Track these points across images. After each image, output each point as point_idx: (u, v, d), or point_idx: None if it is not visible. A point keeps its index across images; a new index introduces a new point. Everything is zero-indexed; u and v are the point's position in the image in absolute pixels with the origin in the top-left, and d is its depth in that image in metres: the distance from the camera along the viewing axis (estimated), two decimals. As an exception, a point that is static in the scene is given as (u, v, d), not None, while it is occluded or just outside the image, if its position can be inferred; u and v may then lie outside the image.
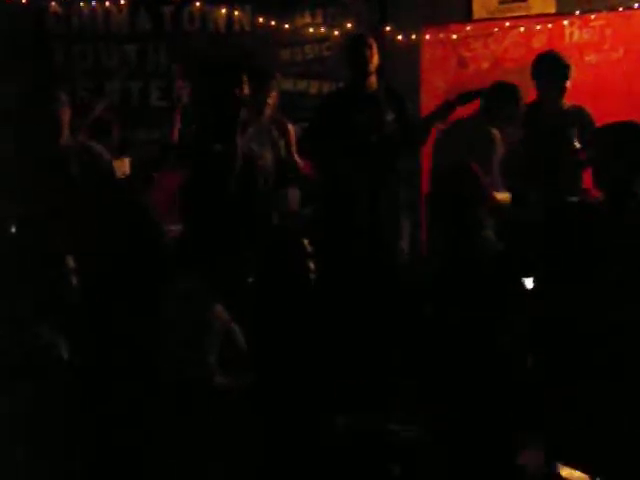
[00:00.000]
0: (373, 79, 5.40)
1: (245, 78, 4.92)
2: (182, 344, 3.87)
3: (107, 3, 6.94)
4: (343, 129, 5.31)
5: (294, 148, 5.71)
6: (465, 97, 5.45)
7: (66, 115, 4.90)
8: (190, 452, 3.64)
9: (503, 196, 5.16)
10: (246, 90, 4.90)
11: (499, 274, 3.76)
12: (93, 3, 6.94)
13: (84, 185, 4.83)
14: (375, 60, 5.35)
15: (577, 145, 5.37)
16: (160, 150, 5.31)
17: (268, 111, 5.55)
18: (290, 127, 5.76)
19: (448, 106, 5.44)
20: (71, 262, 3.84)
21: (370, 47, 5.32)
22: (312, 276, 4.13)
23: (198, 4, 6.90)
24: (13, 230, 4.38)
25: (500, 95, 5.40)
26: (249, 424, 3.72)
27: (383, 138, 5.31)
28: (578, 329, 3.45)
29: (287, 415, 3.78)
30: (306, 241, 4.17)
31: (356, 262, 5.20)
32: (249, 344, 3.97)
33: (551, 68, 5.46)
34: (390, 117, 5.38)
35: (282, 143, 5.60)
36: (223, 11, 6.91)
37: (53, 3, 6.94)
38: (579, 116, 5.50)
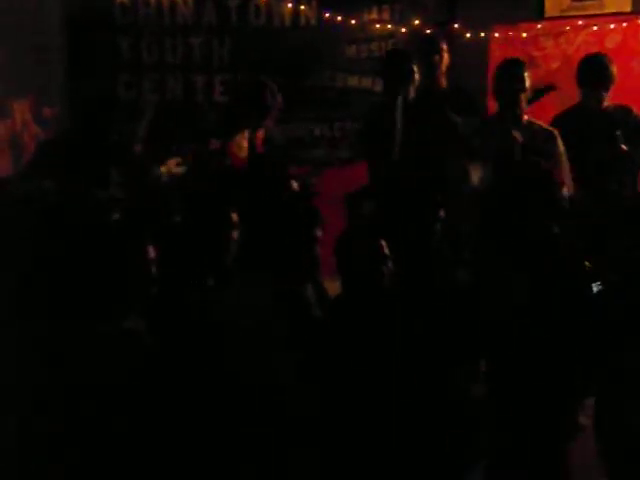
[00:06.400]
0: (442, 81, 5.41)
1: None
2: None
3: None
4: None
5: None
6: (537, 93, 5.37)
7: None
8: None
9: None
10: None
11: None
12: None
13: None
14: (444, 63, 5.37)
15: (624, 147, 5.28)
16: None
17: None
18: None
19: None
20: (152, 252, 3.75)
21: (440, 52, 5.37)
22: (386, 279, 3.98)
23: (264, -3, 6.86)
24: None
25: None
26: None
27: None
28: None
29: None
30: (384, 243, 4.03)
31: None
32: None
33: (597, 74, 5.40)
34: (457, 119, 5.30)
35: None
36: (289, 5, 6.84)
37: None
38: (625, 117, 5.39)
